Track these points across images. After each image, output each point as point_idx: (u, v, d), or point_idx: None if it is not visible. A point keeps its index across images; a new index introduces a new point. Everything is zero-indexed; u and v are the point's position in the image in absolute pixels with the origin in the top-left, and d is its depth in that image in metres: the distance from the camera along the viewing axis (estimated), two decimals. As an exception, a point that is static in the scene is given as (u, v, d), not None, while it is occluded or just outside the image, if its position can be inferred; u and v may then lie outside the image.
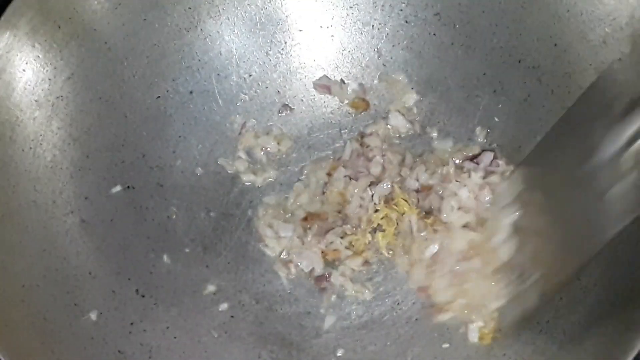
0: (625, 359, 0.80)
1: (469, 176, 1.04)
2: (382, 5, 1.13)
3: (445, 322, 0.99)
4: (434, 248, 1.02)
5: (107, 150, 1.06)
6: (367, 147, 1.10)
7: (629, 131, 0.85)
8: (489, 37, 1.08)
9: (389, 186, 1.06)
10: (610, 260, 0.92)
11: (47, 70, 1.02)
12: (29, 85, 1.00)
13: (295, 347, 1.01)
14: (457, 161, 1.08)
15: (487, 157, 1.07)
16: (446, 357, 0.97)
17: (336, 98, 1.15)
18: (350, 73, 1.16)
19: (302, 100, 1.15)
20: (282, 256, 1.06)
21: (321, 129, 1.14)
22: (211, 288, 1.04)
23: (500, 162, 1.06)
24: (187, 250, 1.07)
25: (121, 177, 1.07)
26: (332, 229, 1.05)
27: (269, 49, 1.15)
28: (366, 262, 1.05)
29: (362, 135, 1.12)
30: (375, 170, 1.08)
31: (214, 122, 1.13)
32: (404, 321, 1.01)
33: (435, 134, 1.11)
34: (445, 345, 0.98)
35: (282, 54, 1.15)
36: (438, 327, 0.99)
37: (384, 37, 1.14)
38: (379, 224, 1.06)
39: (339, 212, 1.07)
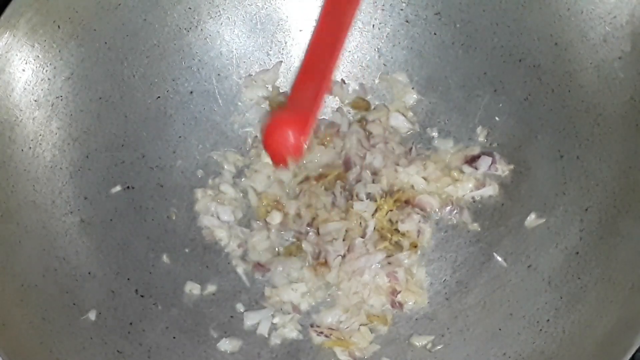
0: (624, 357, 0.80)
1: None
2: (383, 5, 1.13)
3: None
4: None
5: (107, 150, 1.07)
6: (370, 134, 1.11)
7: None
8: (490, 37, 1.08)
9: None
10: (609, 258, 0.92)
11: (46, 70, 1.02)
12: (29, 85, 1.01)
13: (295, 347, 1.01)
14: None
15: (486, 161, 1.07)
16: (445, 356, 0.97)
17: (337, 98, 1.15)
18: (350, 73, 1.15)
19: (302, 100, 1.15)
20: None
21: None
22: (211, 288, 1.04)
23: (499, 165, 1.06)
24: (186, 250, 1.07)
25: (121, 177, 1.07)
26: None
27: (269, 49, 1.15)
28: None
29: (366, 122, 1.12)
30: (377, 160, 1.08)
31: (214, 122, 1.13)
32: (404, 320, 1.01)
33: (435, 134, 1.11)
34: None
35: (282, 54, 1.15)
36: (438, 327, 1.00)
37: (385, 37, 1.14)
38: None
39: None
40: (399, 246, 1.05)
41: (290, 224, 1.07)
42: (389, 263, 1.03)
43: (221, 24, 1.12)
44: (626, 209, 0.93)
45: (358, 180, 1.07)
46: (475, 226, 1.05)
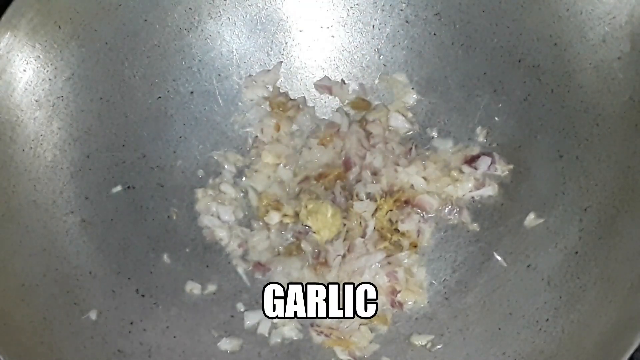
0: (623, 357, 0.80)
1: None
2: (383, 6, 1.13)
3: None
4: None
5: (108, 150, 1.07)
6: (370, 134, 1.11)
7: None
8: (489, 37, 1.09)
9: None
10: (608, 258, 0.92)
11: (47, 71, 1.02)
12: (30, 85, 1.01)
13: (295, 347, 1.01)
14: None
15: (485, 162, 1.07)
16: (445, 356, 0.97)
17: (337, 98, 1.15)
18: (350, 73, 1.16)
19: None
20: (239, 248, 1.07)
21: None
22: (211, 288, 1.04)
23: (498, 166, 1.07)
24: (187, 250, 1.07)
25: (121, 177, 1.07)
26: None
27: (269, 49, 1.15)
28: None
29: (366, 122, 1.12)
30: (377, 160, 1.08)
31: (214, 122, 1.13)
32: (404, 320, 1.02)
33: (435, 134, 1.11)
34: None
35: (282, 54, 1.15)
36: (438, 326, 1.00)
37: (385, 37, 1.14)
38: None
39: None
40: (398, 246, 1.05)
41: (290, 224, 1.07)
42: (389, 263, 1.03)
43: (222, 24, 1.13)
44: (625, 209, 0.94)
45: (358, 180, 1.07)
46: (474, 226, 1.05)
